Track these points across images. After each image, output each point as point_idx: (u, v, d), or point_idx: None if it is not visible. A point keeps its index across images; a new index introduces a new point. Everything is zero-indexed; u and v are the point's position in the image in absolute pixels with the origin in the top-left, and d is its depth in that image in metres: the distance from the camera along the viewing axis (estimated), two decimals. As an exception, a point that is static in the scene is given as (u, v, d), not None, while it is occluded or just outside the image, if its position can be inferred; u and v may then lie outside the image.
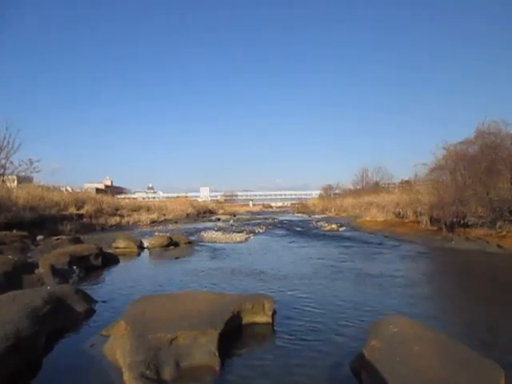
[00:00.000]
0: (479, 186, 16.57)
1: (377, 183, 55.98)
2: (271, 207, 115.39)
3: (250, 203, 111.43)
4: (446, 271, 11.08)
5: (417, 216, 22.34)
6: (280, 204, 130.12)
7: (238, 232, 23.09)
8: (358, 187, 58.47)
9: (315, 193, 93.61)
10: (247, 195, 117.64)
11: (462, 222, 17.29)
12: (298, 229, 26.90)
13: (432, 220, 19.61)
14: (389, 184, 54.52)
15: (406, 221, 23.65)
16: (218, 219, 43.13)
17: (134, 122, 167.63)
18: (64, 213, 25.62)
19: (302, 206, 75.09)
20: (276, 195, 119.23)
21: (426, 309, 6.97)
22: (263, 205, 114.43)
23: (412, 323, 4.76)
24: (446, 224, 18.01)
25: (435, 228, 18.95)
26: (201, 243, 17.70)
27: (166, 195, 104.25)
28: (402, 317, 5.08)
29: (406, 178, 37.91)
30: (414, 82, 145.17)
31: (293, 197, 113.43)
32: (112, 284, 9.28)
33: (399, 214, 25.68)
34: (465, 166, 18.15)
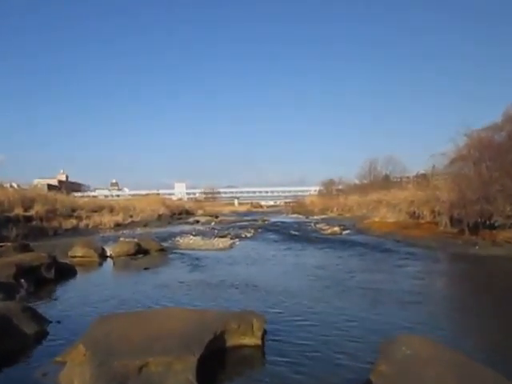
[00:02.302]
0: (508, 181, 16.82)
1: (387, 177, 56.46)
2: (261, 206, 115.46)
3: (236, 202, 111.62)
4: (468, 283, 11.28)
5: (434, 216, 22.66)
6: (271, 203, 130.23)
7: (221, 237, 23.12)
8: (365, 182, 58.93)
9: (314, 189, 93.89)
10: (232, 192, 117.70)
11: (487, 222, 17.53)
12: (294, 232, 27.05)
13: (452, 221, 19.89)
14: (401, 178, 55.00)
15: (422, 222, 23.96)
16: (197, 221, 43.02)
17: (94, 105, 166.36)
18: (8, 214, 25.30)
19: (298, 205, 75.41)
20: (267, 192, 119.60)
21: (445, 328, 7.09)
22: (251, 204, 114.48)
23: (428, 343, 4.84)
24: (468, 225, 18.26)
25: (456, 230, 19.21)
26: (176, 251, 17.67)
27: (133, 192, 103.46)
28: (416, 336, 5.17)
29: (422, 171, 38.43)
30: (428, 66, 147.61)
31: (287, 194, 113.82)
32: (68, 300, 9.22)
33: (414, 213, 26.00)
34: (491, 156, 18.40)
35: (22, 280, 10.18)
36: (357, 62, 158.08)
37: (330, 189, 70.05)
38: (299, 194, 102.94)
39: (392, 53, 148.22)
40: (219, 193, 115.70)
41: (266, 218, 45.13)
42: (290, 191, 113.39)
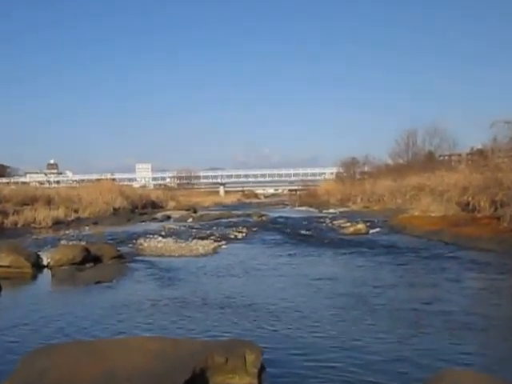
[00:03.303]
0: None
1: (431, 155, 56.65)
2: (256, 196, 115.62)
3: (221, 190, 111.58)
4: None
5: (496, 208, 22.70)
6: (271, 191, 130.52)
7: (202, 239, 23.13)
8: (401, 162, 59.08)
9: (329, 172, 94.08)
10: (216, 176, 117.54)
11: None
12: (302, 232, 27.17)
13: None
14: (450, 156, 55.23)
15: (479, 216, 23.97)
16: (168, 217, 43.10)
17: (24, 64, 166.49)
18: None
19: (307, 194, 75.70)
20: (264, 176, 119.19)
21: (507, 360, 7.17)
22: (243, 192, 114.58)
23: (484, 380, 4.88)
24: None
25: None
26: (139, 258, 17.71)
27: (78, 178, 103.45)
28: (468, 371, 5.22)
29: (479, 146, 38.44)
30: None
31: (292, 179, 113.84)
32: (-12, 328, 9.23)
33: (467, 204, 26.03)
34: None
35: None
36: None
37: (351, 171, 69.97)
38: (309, 178, 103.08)
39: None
40: (198, 177, 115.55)
41: (263, 213, 45.05)
42: (296, 175, 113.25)
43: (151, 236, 24.54)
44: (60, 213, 37.40)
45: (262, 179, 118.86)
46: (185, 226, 32.14)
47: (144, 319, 9.49)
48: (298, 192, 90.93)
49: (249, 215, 43.36)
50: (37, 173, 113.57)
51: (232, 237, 24.80)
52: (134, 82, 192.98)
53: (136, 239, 23.19)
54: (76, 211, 40.87)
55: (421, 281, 13.13)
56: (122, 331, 8.64)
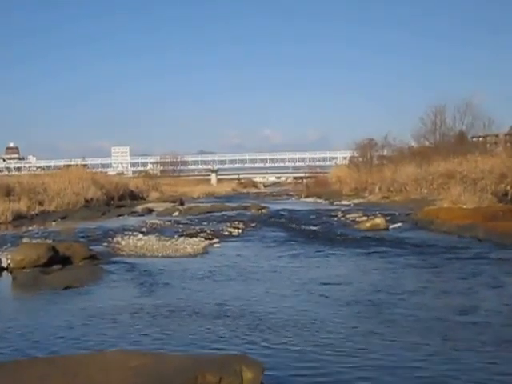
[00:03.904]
0: None
1: (462, 136, 56.49)
2: (255, 186, 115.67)
3: (213, 177, 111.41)
4: None
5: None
6: (272, 179, 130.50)
7: (190, 236, 23.16)
8: (427, 144, 58.93)
9: (342, 156, 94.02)
10: (207, 161, 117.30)
11: None
12: (309, 228, 27.19)
13: None
14: (485, 137, 55.09)
15: (519, 208, 24.01)
16: (150, 210, 43.06)
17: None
18: None
19: (316, 183, 75.73)
20: (265, 161, 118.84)
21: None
22: (239, 181, 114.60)
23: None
24: None
25: None
26: (115, 259, 17.71)
27: (43, 164, 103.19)
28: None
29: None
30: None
31: (298, 164, 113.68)
32: None
33: (506, 194, 26.09)
34: None
35: None
36: None
37: (368, 155, 69.82)
38: (318, 164, 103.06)
39: None
40: (186, 163, 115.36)
41: (263, 205, 45.08)
42: (302, 159, 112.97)
43: (130, 233, 24.56)
44: (22, 205, 37.36)
45: (261, 165, 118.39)
46: (170, 221, 32.11)
47: (122, 331, 9.49)
48: (305, 180, 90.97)
49: (246, 208, 43.42)
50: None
51: (226, 234, 24.82)
52: (109, 48, 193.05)
53: (112, 237, 23.20)
54: (41, 203, 40.81)
55: (450, 286, 13.06)
56: (97, 345, 8.63)
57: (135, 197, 60.15)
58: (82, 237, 23.65)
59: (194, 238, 22.05)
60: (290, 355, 8.10)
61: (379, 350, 8.29)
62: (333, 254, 18.41)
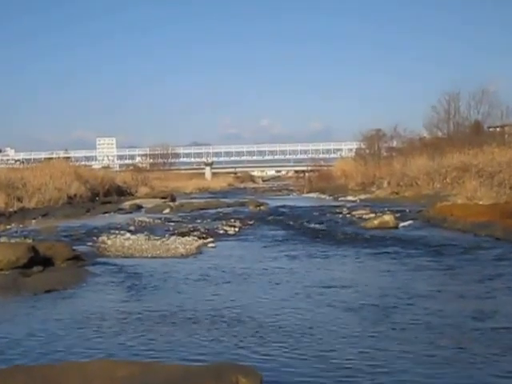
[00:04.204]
0: None
1: (478, 125, 56.49)
2: (253, 180, 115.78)
3: (207, 171, 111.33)
4: None
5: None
6: (271, 173, 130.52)
7: (182, 235, 23.18)
8: (440, 135, 58.90)
9: (347, 147, 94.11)
10: (200, 154, 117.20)
11: None
12: (312, 226, 27.26)
13: None
14: (503, 127, 54.98)
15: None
16: (139, 207, 43.15)
17: None
18: None
19: (319, 177, 75.55)
20: (263, 154, 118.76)
21: None
22: (235, 175, 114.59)
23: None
24: None
25: None
26: (101, 259, 17.71)
27: (23, 157, 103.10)
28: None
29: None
30: None
31: (300, 157, 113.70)
32: None
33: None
34: None
35: None
36: None
37: (376, 147, 69.74)
38: (321, 156, 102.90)
39: None
40: (178, 156, 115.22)
41: (261, 201, 45.07)
42: (304, 152, 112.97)
43: (117, 231, 24.60)
44: (-1, 202, 37.29)
45: (259, 158, 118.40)
46: (160, 219, 32.16)
47: (108, 338, 9.49)
48: (307, 174, 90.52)
49: (243, 204, 43.59)
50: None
51: (221, 232, 24.86)
52: (91, 31, 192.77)
53: (97, 236, 23.17)
54: (20, 200, 40.68)
55: (466, 290, 13.01)
56: (81, 353, 8.61)
57: (122, 192, 60.14)
58: (65, 236, 23.63)
59: (187, 238, 22.05)
60: (290, 364, 8.09)
61: (387, 359, 8.27)
62: (337, 254, 18.45)
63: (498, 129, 56.20)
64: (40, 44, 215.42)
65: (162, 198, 51.96)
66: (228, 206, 41.79)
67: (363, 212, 32.29)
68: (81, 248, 19.13)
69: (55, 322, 10.64)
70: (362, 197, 48.69)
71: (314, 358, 8.35)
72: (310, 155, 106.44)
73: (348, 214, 32.73)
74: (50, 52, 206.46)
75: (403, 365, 7.98)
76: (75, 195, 47.94)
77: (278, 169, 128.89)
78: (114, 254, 18.98)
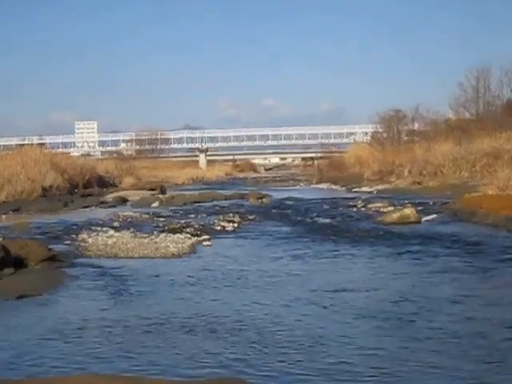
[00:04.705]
0: None
1: (511, 104, 56.21)
2: (255, 169, 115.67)
3: (202, 159, 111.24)
4: None
5: None
6: (276, 160, 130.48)
7: (173, 232, 23.24)
8: (467, 116, 58.72)
9: (362, 131, 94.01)
10: (194, 139, 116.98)
11: None
12: (321, 221, 27.30)
13: None
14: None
15: None
16: (124, 200, 43.23)
17: None
18: None
19: (330, 166, 75.52)
20: (265, 138, 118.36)
21: None
22: (234, 163, 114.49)
23: None
24: None
25: None
26: (81, 260, 17.75)
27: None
28: None
29: None
30: None
31: (308, 142, 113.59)
32: None
33: None
34: None
35: None
36: None
37: (395, 130, 69.64)
38: (333, 141, 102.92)
39: None
40: (168, 141, 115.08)
41: (264, 193, 45.08)
42: (313, 136, 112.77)
43: (99, 228, 24.61)
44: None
45: (261, 143, 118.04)
46: (148, 214, 32.16)
47: (90, 350, 9.47)
48: (316, 162, 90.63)
49: (243, 197, 43.68)
50: None
51: (218, 229, 24.91)
52: (71, 7, 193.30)
53: (76, 233, 23.21)
54: (-13, 192, 40.76)
55: (499, 295, 13.01)
56: (59, 367, 8.61)
57: (105, 183, 60.13)
58: (40, 233, 23.64)
59: (179, 235, 22.08)
60: (293, 381, 8.09)
61: (406, 376, 8.20)
62: (350, 254, 18.49)
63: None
64: (15, 20, 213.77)
65: (150, 189, 51.94)
66: (226, 199, 41.79)
67: (380, 205, 32.33)
68: (58, 247, 19.17)
69: (29, 331, 10.65)
70: (380, 187, 48.68)
71: (320, 373, 8.33)
72: (319, 140, 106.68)
73: (363, 207, 32.80)
74: (26, 27, 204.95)
75: (427, 382, 7.99)
76: (51, 187, 47.83)
77: (283, 156, 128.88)
78: (95, 253, 18.98)
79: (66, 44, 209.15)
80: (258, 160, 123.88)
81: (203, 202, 39.53)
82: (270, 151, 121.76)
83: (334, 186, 56.33)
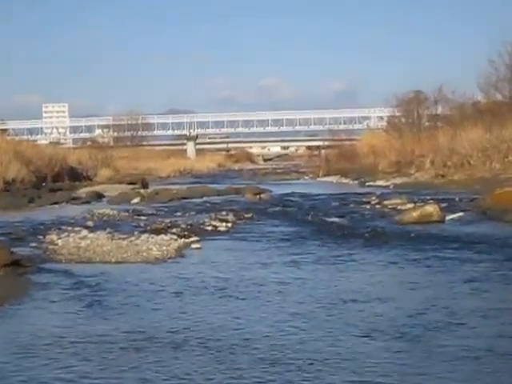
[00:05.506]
0: None
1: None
2: (252, 159, 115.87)
3: (190, 148, 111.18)
4: None
5: None
6: (277, 150, 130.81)
7: (157, 232, 23.32)
8: (500, 98, 58.75)
9: (376, 115, 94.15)
10: (181, 124, 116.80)
11: None
12: (329, 220, 27.39)
13: None
14: None
15: None
16: (99, 196, 43.42)
17: None
18: None
19: (339, 156, 75.50)
20: (265, 124, 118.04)
21: None
22: (227, 152, 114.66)
23: None
24: None
25: None
26: (49, 265, 17.79)
27: None
28: None
29: None
30: None
31: (314, 128, 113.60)
32: None
33: None
34: None
35: None
36: None
37: (415, 115, 69.55)
38: (342, 127, 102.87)
39: None
40: (151, 127, 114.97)
41: (262, 188, 45.15)
42: (320, 121, 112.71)
43: (70, 228, 24.68)
44: None
45: (260, 129, 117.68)
46: (128, 211, 32.34)
47: (61, 370, 9.46)
48: (324, 151, 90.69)
49: (238, 192, 43.88)
50: None
51: (209, 229, 25.01)
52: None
53: (44, 234, 23.32)
54: None
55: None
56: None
57: (77, 176, 60.14)
58: (1, 234, 23.70)
59: (163, 236, 22.16)
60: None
61: None
62: (362, 259, 18.56)
63: None
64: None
65: (130, 183, 52.08)
66: (218, 195, 41.96)
67: (398, 201, 32.40)
68: (22, 250, 19.22)
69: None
70: (397, 181, 48.82)
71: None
72: (327, 126, 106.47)
73: (378, 204, 32.95)
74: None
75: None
76: (14, 180, 47.86)
77: (285, 144, 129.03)
78: (66, 257, 19.02)
79: (34, 18, 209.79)
80: (255, 149, 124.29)
81: (192, 198, 39.74)
82: (270, 139, 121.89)
83: (343, 180, 56.54)
